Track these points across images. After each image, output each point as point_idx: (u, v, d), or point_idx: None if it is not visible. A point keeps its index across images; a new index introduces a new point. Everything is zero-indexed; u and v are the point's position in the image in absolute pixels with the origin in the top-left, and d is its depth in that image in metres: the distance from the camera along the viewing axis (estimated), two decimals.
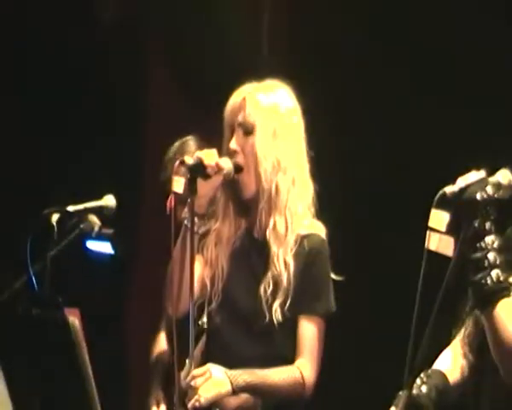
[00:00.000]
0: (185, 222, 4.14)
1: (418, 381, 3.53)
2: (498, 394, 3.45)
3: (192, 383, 4.17)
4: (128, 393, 6.33)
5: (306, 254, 4.31)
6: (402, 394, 3.26)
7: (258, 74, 4.48)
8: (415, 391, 3.41)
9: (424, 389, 3.52)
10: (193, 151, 4.48)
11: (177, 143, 4.98)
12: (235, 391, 4.24)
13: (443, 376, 3.57)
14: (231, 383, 4.20)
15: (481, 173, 3.27)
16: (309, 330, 4.31)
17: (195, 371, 4.13)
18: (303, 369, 4.26)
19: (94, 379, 4.08)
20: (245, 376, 4.24)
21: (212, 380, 4.18)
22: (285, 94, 4.37)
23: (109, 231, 4.73)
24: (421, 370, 3.42)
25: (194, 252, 4.08)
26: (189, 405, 4.15)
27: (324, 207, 4.42)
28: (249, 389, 4.28)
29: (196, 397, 4.11)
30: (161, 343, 4.87)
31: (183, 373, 4.23)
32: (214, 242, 4.45)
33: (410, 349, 3.11)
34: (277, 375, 4.27)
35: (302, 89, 4.45)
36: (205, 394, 4.14)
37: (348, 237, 5.07)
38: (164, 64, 7.74)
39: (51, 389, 4.21)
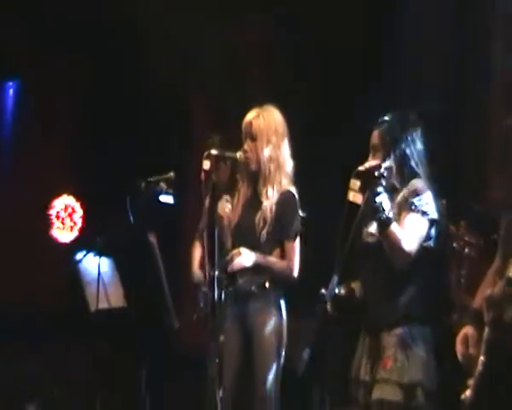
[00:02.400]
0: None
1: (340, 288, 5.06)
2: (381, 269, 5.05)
3: (229, 257, 5.66)
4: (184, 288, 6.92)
5: (283, 201, 5.80)
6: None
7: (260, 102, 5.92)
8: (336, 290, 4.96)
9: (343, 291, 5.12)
10: (217, 146, 5.82)
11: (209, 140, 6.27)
12: (255, 265, 5.66)
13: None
14: (253, 260, 5.67)
15: (377, 160, 4.97)
16: (289, 249, 5.76)
17: (232, 253, 5.65)
18: (290, 264, 5.70)
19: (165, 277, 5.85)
20: (260, 257, 5.68)
21: (241, 256, 5.67)
22: (275, 114, 5.90)
23: (170, 190, 5.95)
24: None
25: (213, 202, 5.56)
26: (228, 269, 5.66)
27: (296, 180, 5.85)
28: (263, 264, 5.69)
29: (231, 264, 5.65)
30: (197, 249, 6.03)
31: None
32: (237, 196, 6.00)
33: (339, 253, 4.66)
34: (277, 262, 5.72)
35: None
36: (236, 262, 5.66)
37: (308, 195, 5.96)
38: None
39: (141, 283, 6.09)
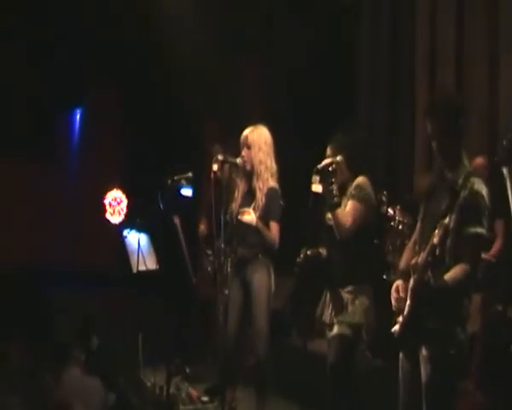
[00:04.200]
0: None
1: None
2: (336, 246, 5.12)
3: (241, 211, 5.68)
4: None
5: (269, 194, 5.78)
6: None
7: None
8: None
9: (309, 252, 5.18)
10: (221, 153, 5.91)
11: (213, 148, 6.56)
12: (255, 226, 5.63)
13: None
14: (255, 221, 5.65)
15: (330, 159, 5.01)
16: (273, 227, 5.76)
17: (242, 209, 5.70)
18: (274, 237, 5.71)
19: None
20: (259, 222, 5.65)
21: (250, 214, 5.66)
22: (264, 130, 5.91)
23: (189, 186, 6.19)
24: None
25: (218, 194, 5.59)
26: (239, 218, 5.65)
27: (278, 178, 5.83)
28: (260, 227, 5.65)
29: (240, 217, 5.66)
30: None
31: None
32: (237, 191, 5.98)
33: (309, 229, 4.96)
34: (267, 232, 5.69)
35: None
36: (246, 217, 5.65)
37: (286, 190, 5.90)
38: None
39: (168, 252, 6.17)
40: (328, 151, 5.21)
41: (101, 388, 5.28)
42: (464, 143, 4.22)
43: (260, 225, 5.70)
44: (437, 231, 4.00)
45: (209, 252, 6.14)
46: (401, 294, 4.28)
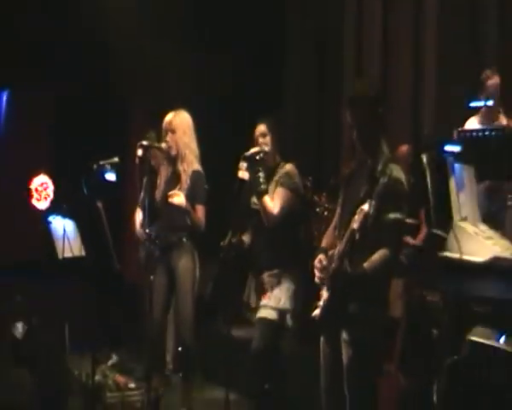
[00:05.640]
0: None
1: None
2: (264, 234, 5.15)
3: (170, 193, 5.62)
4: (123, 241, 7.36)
5: (194, 176, 5.77)
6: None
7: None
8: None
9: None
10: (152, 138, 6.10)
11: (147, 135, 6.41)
12: (184, 207, 5.59)
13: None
14: (184, 203, 5.60)
15: (259, 148, 5.09)
16: (199, 210, 5.74)
17: (170, 192, 5.64)
18: (200, 219, 5.70)
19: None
20: (188, 204, 5.61)
21: (179, 196, 5.62)
22: (186, 115, 5.92)
23: (113, 171, 5.84)
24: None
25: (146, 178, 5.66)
26: (169, 200, 5.59)
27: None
28: (188, 208, 5.62)
29: (170, 199, 5.60)
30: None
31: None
32: (162, 172, 5.99)
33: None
34: (194, 213, 5.67)
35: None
36: (176, 199, 5.62)
37: (210, 173, 5.92)
38: None
39: (93, 237, 6.14)
40: (261, 129, 5.27)
41: None
42: (389, 131, 4.35)
43: (189, 207, 5.71)
44: (356, 216, 4.05)
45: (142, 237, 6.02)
46: (323, 262, 4.32)
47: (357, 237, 4.08)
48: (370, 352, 4.22)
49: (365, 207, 4.03)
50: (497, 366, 3.05)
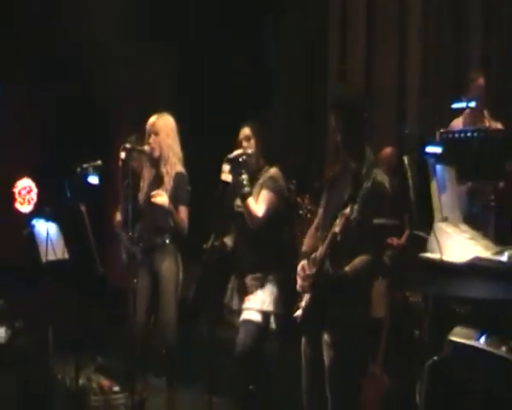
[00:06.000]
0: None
1: None
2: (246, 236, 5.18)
3: (153, 193, 5.66)
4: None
5: (177, 179, 5.80)
6: None
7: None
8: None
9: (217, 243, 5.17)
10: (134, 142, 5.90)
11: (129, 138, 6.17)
12: (167, 207, 5.62)
13: None
14: (167, 202, 5.64)
15: (242, 150, 5.12)
16: (182, 211, 5.77)
17: (153, 192, 5.69)
18: (183, 221, 5.72)
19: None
20: (170, 204, 5.65)
21: (162, 196, 5.66)
22: (169, 117, 5.95)
23: (96, 174, 5.88)
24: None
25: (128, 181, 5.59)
26: (151, 200, 5.65)
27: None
28: (170, 209, 5.66)
29: (153, 199, 5.66)
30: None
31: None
32: (145, 175, 6.02)
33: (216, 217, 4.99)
34: (177, 214, 5.70)
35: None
36: (158, 199, 5.66)
37: (194, 175, 5.97)
38: None
39: (76, 241, 6.03)
40: (245, 132, 5.28)
41: None
42: (373, 134, 4.40)
43: (172, 208, 5.71)
44: (338, 220, 4.07)
45: (124, 240, 6.04)
46: (307, 271, 4.35)
47: (338, 239, 4.10)
48: (352, 354, 4.24)
49: (347, 210, 4.04)
50: (477, 366, 3.06)
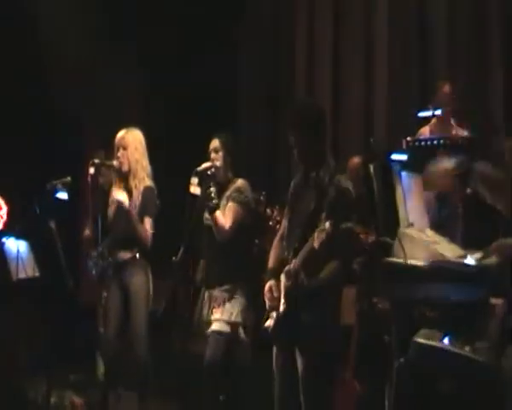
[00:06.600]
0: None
1: None
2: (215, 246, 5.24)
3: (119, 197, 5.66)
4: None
5: (145, 193, 5.75)
6: None
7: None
8: None
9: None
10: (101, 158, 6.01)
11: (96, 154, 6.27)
12: (127, 211, 5.62)
13: None
14: (127, 204, 5.63)
15: (210, 163, 5.20)
16: (147, 222, 5.72)
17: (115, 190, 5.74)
18: (146, 233, 5.70)
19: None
20: (133, 209, 5.71)
21: (122, 194, 5.65)
22: (138, 132, 5.93)
23: (65, 190, 5.94)
24: None
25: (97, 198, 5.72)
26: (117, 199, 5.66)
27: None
28: (132, 214, 5.66)
29: (113, 195, 5.74)
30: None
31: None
32: (113, 189, 5.88)
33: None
34: (140, 224, 5.69)
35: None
36: (118, 195, 5.67)
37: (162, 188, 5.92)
38: None
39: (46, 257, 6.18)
40: (214, 144, 5.34)
41: None
42: (341, 144, 4.30)
43: (133, 211, 5.73)
44: (316, 234, 4.08)
45: (93, 255, 6.07)
46: (274, 294, 4.43)
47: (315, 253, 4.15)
48: (324, 361, 4.29)
49: (327, 226, 4.05)
50: (442, 367, 3.11)
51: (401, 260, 3.47)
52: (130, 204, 5.78)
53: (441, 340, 3.15)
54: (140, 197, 5.84)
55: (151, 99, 8.40)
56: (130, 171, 5.91)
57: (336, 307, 4.40)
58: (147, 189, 5.88)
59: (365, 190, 4.79)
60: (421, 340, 3.19)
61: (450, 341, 3.11)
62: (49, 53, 8.43)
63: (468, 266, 3.31)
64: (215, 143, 5.35)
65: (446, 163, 4.32)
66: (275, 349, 4.50)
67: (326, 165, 4.38)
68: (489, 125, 6.45)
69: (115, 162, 5.88)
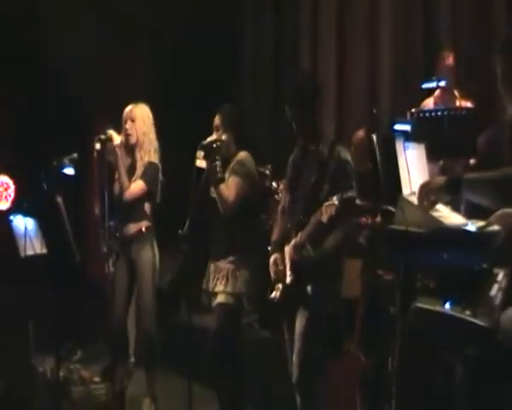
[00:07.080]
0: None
1: None
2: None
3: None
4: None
5: (148, 168, 5.86)
6: None
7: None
8: None
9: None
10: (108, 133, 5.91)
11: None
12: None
13: None
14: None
15: (216, 136, 5.23)
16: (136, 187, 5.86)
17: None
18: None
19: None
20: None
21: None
22: (145, 107, 6.02)
23: (71, 165, 5.92)
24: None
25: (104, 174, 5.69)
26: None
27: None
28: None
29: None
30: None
31: None
32: (119, 165, 5.91)
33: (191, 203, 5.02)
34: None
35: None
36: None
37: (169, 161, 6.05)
38: None
39: (54, 232, 6.09)
40: (217, 121, 5.35)
41: None
42: (347, 117, 4.31)
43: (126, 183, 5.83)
44: (324, 209, 4.16)
45: (101, 231, 6.12)
46: (279, 267, 4.52)
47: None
48: (322, 322, 4.48)
49: (335, 200, 4.12)
50: (443, 331, 3.14)
51: (402, 227, 3.44)
52: (134, 178, 5.87)
53: (442, 305, 3.15)
54: (142, 169, 5.91)
55: (157, 78, 8.46)
56: (137, 143, 5.95)
57: (341, 276, 4.54)
58: (150, 164, 5.93)
59: (370, 164, 4.87)
60: (421, 305, 3.19)
61: (451, 306, 3.10)
62: (55, 28, 8.51)
63: (469, 232, 3.27)
64: (218, 118, 5.38)
65: None
66: (284, 326, 4.63)
67: (324, 137, 4.48)
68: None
69: (121, 138, 5.90)
